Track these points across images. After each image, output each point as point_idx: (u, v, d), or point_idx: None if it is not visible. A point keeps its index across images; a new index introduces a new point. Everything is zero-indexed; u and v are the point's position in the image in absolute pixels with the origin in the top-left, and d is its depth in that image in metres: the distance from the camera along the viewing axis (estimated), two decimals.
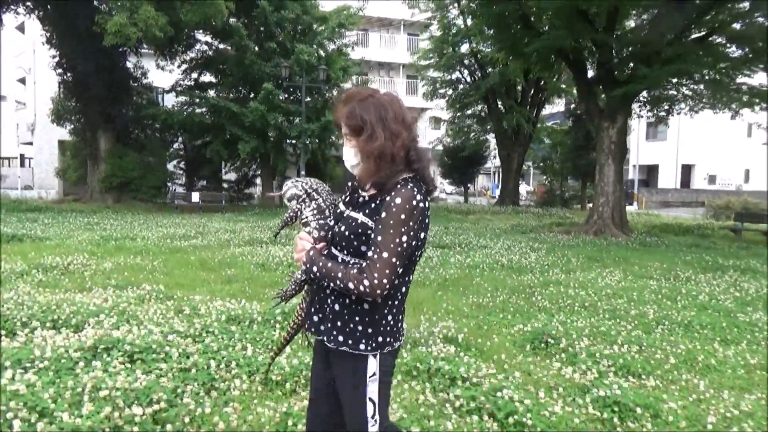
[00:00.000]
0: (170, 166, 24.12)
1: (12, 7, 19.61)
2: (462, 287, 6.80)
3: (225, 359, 3.65)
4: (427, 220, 1.76)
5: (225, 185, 25.20)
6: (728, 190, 33.95)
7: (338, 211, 1.90)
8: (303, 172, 20.61)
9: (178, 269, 7.66)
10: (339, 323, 1.80)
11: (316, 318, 1.89)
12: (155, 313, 4.82)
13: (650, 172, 40.54)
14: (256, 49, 20.08)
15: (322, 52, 21.83)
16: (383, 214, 1.68)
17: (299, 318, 2.01)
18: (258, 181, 25.59)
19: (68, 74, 20.68)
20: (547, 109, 27.82)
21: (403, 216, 1.66)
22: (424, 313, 5.39)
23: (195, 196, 20.55)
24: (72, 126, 22.02)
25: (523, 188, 36.43)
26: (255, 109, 19.01)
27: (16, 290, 5.56)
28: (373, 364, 1.80)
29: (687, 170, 39.38)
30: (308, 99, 21.10)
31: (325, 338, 1.84)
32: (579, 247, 11.25)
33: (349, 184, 1.94)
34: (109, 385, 2.95)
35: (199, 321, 4.51)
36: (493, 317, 5.39)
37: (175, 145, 23.98)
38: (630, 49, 13.33)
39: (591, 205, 16.18)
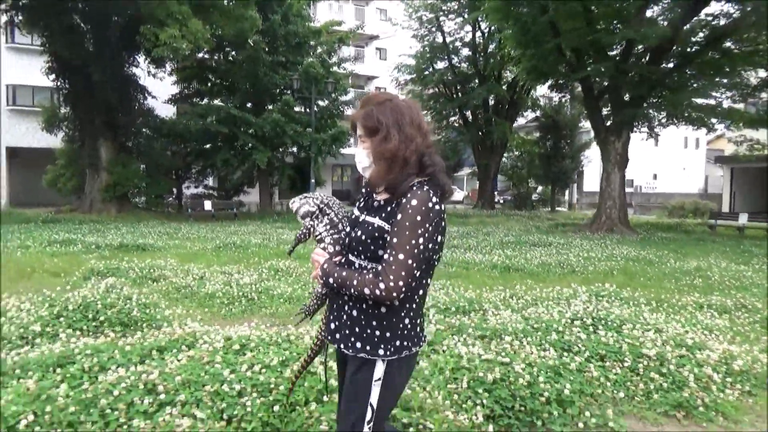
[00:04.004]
0: None
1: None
2: (638, 273, 8.62)
3: None
4: (443, 224, 1.77)
5: (215, 193, 25.29)
6: (653, 193, 39.08)
7: (353, 216, 1.92)
8: (314, 180, 21.45)
9: None
10: (357, 329, 1.80)
11: (333, 326, 1.90)
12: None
13: (578, 177, 45.36)
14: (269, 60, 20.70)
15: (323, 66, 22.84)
16: (399, 216, 1.70)
17: (321, 334, 2.02)
18: (246, 188, 25.86)
19: (63, 80, 20.02)
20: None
21: (418, 218, 1.67)
22: (658, 294, 7.11)
23: (207, 205, 20.69)
24: (65, 134, 21.24)
25: (461, 194, 39.17)
26: (276, 120, 19.69)
27: None
28: (380, 369, 1.79)
29: None
30: (315, 110, 22.04)
31: (342, 345, 1.84)
32: (634, 244, 13.44)
33: (363, 190, 1.98)
34: None
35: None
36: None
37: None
38: (640, 75, 15.99)
39: (597, 207, 18.67)
